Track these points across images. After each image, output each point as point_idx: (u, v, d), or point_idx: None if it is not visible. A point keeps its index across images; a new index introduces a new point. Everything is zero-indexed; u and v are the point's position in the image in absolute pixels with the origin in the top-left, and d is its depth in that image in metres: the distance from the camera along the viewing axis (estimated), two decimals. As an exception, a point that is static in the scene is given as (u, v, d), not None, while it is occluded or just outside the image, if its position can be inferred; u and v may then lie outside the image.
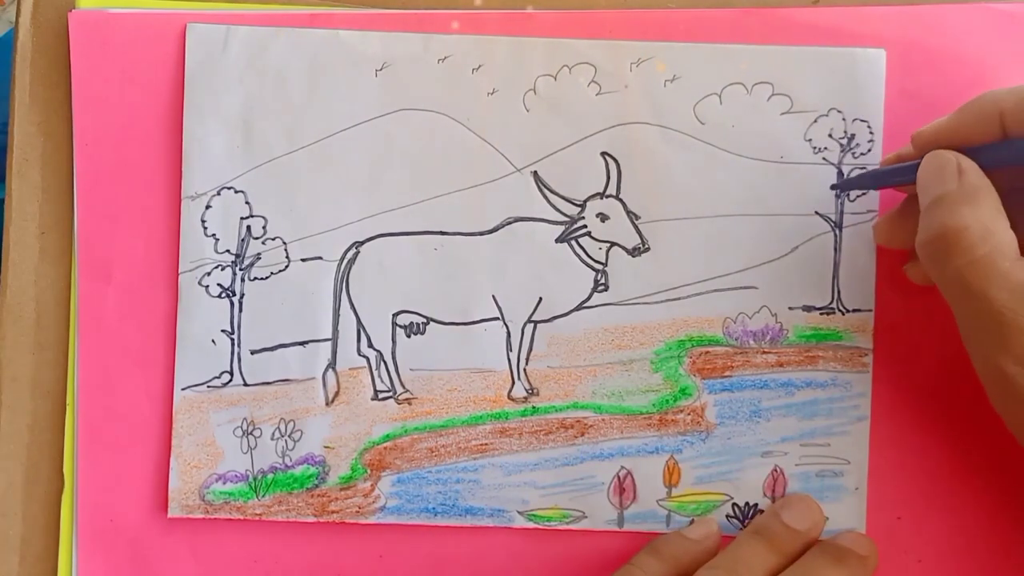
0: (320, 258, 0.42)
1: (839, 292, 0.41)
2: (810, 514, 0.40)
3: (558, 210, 0.42)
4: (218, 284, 0.42)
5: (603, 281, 0.42)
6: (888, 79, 0.41)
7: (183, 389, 0.42)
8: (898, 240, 0.39)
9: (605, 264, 0.42)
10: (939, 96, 0.41)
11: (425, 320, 0.42)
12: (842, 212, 0.41)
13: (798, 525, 0.39)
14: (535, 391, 0.42)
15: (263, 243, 0.42)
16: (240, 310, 0.42)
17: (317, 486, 0.42)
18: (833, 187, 0.41)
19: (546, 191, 0.42)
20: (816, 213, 0.41)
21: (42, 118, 0.42)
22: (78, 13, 0.42)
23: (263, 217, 0.42)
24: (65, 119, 0.42)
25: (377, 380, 0.42)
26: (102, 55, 0.42)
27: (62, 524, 0.42)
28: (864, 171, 0.41)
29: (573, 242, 0.42)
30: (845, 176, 0.41)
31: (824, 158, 0.41)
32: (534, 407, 0.42)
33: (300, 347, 0.42)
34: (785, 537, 0.39)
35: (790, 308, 0.41)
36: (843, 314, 0.41)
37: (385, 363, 0.42)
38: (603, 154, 0.42)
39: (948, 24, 0.41)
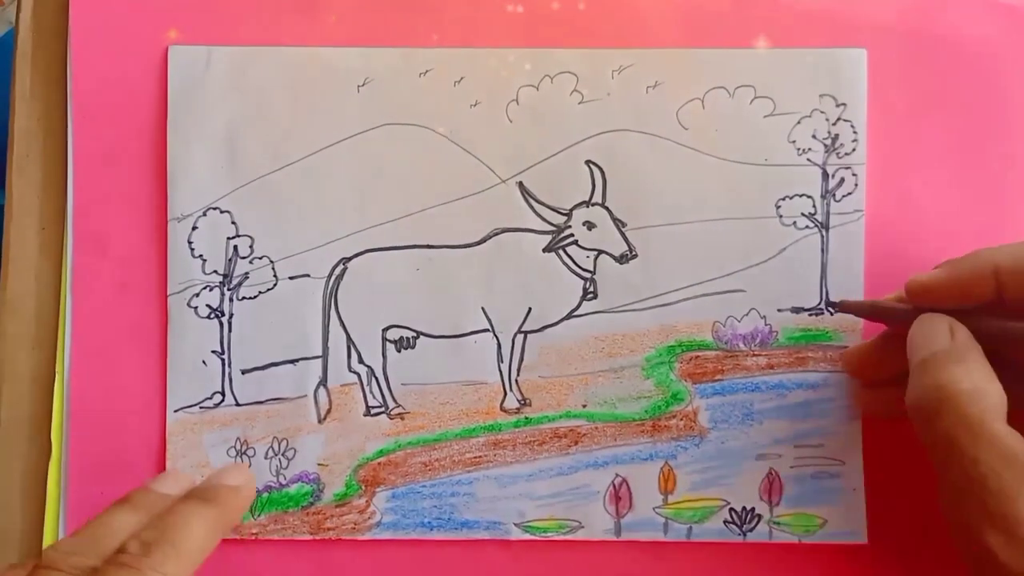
0: (308, 275, 0.42)
1: (827, 293, 0.41)
2: (174, 479, 0.37)
3: (545, 220, 0.42)
4: (207, 305, 0.42)
5: (592, 289, 0.42)
6: (879, 75, 0.41)
7: (176, 411, 0.42)
8: (868, 371, 0.40)
9: (593, 272, 0.42)
10: (939, 95, 0.42)
11: (415, 334, 0.42)
12: (828, 213, 0.41)
13: (165, 490, 0.36)
14: (527, 402, 0.42)
15: (250, 262, 0.42)
16: (230, 330, 0.42)
17: (312, 504, 0.42)
18: (831, 305, 0.41)
19: (532, 201, 0.42)
20: (803, 214, 0.41)
21: (42, 114, 0.43)
22: (80, 2, 0.42)
23: (250, 236, 0.42)
24: (65, 115, 0.42)
25: (369, 396, 0.42)
26: (102, 53, 0.42)
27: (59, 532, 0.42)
28: (863, 301, 0.40)
29: (561, 251, 0.42)
30: (831, 176, 0.41)
31: (809, 159, 0.41)
32: (527, 418, 0.42)
33: (291, 365, 0.42)
34: (152, 499, 0.36)
35: (779, 310, 0.41)
36: (832, 314, 0.41)
37: (376, 378, 0.42)
38: (588, 162, 0.42)
39: (947, 19, 0.42)
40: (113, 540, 0.34)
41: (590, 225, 0.42)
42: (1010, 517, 0.30)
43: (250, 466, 0.42)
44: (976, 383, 0.32)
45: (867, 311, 0.39)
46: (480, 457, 0.42)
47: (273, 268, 0.42)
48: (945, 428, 0.32)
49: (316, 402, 0.42)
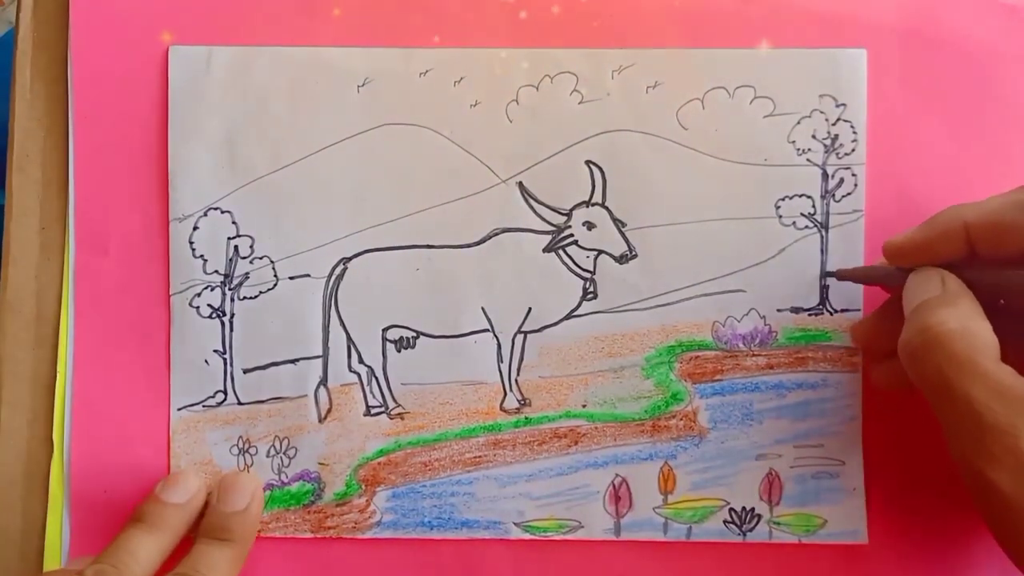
0: (308, 275, 0.42)
1: (827, 293, 0.41)
2: (184, 485, 0.40)
3: (544, 220, 0.42)
4: (208, 305, 0.42)
5: (591, 289, 0.42)
6: (879, 75, 0.41)
7: (179, 409, 0.42)
8: (875, 342, 0.39)
9: (593, 272, 0.42)
10: (939, 95, 0.41)
11: (415, 334, 0.42)
12: (828, 213, 0.41)
13: (176, 499, 0.40)
14: (527, 401, 0.42)
15: (251, 262, 0.42)
16: (231, 330, 0.42)
17: (313, 502, 0.42)
18: (828, 274, 0.41)
19: (532, 201, 0.42)
20: (802, 215, 0.41)
21: (42, 114, 0.43)
22: (80, 2, 0.42)
23: (250, 236, 0.42)
24: (65, 115, 0.42)
25: (369, 396, 0.42)
26: (103, 53, 0.42)
27: (60, 535, 0.42)
28: (857, 267, 0.40)
29: (561, 251, 0.42)
30: (830, 176, 0.41)
31: (808, 159, 0.41)
32: (527, 418, 0.42)
33: (291, 365, 0.42)
34: (166, 516, 0.39)
35: (778, 310, 0.41)
36: (831, 314, 0.41)
37: (376, 378, 0.42)
38: (587, 162, 0.42)
39: (947, 19, 0.41)
40: (136, 565, 0.36)
41: (590, 225, 0.42)
42: (1011, 451, 0.31)
43: (252, 464, 0.42)
44: (965, 323, 0.33)
45: (862, 277, 0.40)
46: (480, 457, 0.42)
47: (273, 268, 0.42)
48: (935, 367, 0.32)
49: (316, 402, 0.42)
